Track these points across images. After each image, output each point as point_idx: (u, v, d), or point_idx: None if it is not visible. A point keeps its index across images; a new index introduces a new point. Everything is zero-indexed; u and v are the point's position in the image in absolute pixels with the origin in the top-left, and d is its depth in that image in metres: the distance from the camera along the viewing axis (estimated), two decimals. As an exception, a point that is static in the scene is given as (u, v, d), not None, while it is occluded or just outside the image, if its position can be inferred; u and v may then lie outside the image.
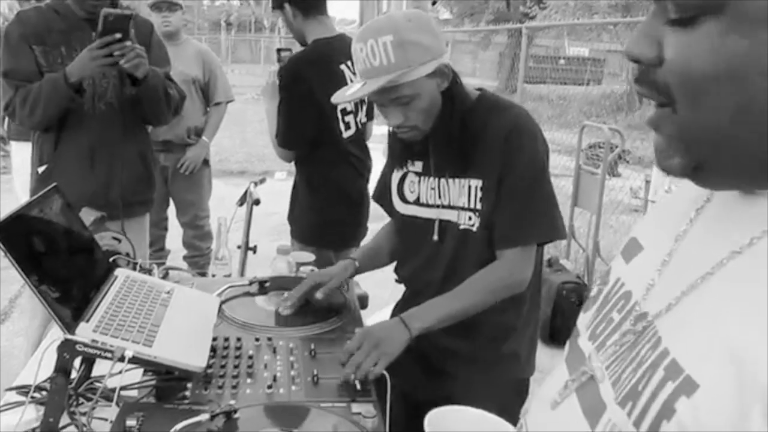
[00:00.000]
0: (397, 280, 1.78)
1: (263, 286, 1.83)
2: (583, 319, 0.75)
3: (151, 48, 2.49)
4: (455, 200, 1.56)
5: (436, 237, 1.59)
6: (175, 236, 4.05)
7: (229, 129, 8.71)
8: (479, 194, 1.51)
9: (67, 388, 1.20)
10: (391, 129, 1.58)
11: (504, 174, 1.49)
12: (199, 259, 3.98)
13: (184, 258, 3.99)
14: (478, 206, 1.52)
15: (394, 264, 1.80)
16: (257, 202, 2.69)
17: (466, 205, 1.54)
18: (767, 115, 0.49)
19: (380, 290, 2.53)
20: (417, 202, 1.64)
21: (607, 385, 0.60)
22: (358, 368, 1.34)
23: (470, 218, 1.53)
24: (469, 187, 1.53)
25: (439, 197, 1.59)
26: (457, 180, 1.55)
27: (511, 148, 1.48)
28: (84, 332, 1.22)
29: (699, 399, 0.48)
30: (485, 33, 15.77)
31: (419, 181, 1.64)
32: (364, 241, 2.53)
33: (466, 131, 1.51)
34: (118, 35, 2.19)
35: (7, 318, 3.81)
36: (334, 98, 1.55)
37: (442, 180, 1.58)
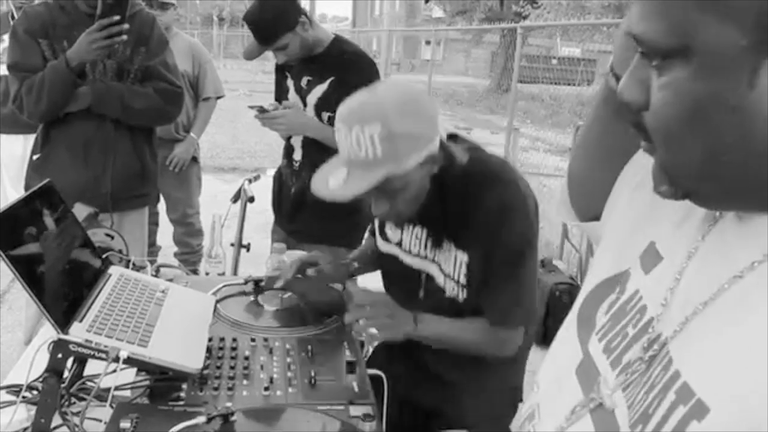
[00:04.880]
0: None
1: (258, 285, 1.81)
2: (591, 312, 0.73)
3: (150, 42, 2.48)
4: (440, 260, 1.49)
5: (422, 294, 1.53)
6: (165, 232, 4.02)
7: (221, 125, 8.67)
8: (464, 269, 1.44)
9: (59, 388, 1.18)
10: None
11: (489, 251, 1.40)
12: (189, 257, 3.94)
13: (175, 255, 3.95)
14: (463, 281, 1.45)
15: None
16: (252, 199, 2.67)
17: (452, 275, 1.47)
18: (737, 150, 0.52)
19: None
20: (399, 245, 1.58)
21: (623, 408, 0.60)
22: (364, 321, 1.36)
23: (454, 289, 1.47)
24: (455, 258, 1.45)
25: (424, 248, 1.52)
26: (444, 242, 1.48)
27: (500, 227, 1.39)
28: (77, 332, 1.20)
29: (710, 423, 0.48)
30: (477, 31, 15.77)
31: (403, 226, 1.57)
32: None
33: (457, 203, 1.43)
34: (117, 17, 2.19)
35: (-5, 314, 3.76)
36: (317, 190, 1.38)
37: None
